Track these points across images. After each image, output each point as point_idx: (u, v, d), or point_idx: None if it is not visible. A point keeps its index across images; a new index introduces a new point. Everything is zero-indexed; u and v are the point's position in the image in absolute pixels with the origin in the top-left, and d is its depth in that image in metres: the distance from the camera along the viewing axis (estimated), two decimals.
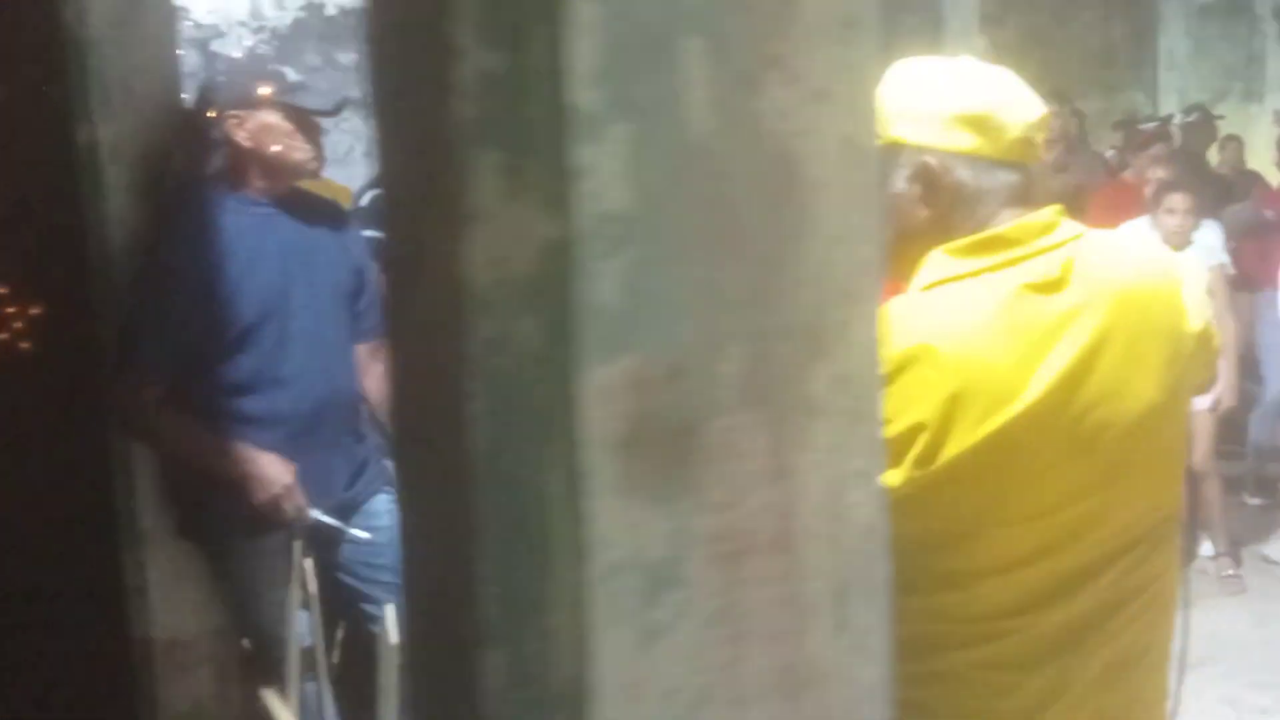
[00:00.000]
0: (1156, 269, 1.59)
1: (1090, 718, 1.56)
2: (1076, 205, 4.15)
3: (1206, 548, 5.26)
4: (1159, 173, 5.08)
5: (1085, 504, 1.51)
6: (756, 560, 0.64)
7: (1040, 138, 1.57)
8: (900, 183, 1.55)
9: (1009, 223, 1.51)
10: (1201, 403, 4.91)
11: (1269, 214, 5.25)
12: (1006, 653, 1.54)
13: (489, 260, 0.61)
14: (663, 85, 0.60)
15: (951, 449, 1.41)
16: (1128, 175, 5.74)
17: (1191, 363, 1.61)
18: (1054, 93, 6.51)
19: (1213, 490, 5.03)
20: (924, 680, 1.55)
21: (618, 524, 0.61)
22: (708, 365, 0.62)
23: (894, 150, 1.55)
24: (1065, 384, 1.45)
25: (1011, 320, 1.46)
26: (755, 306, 0.63)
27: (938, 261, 1.51)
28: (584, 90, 0.58)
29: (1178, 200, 4.68)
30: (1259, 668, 4.17)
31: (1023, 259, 1.49)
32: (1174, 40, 10.70)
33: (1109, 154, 6.80)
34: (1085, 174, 5.85)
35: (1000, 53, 9.26)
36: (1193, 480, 5.11)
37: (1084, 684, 1.55)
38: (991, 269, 1.48)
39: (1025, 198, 1.55)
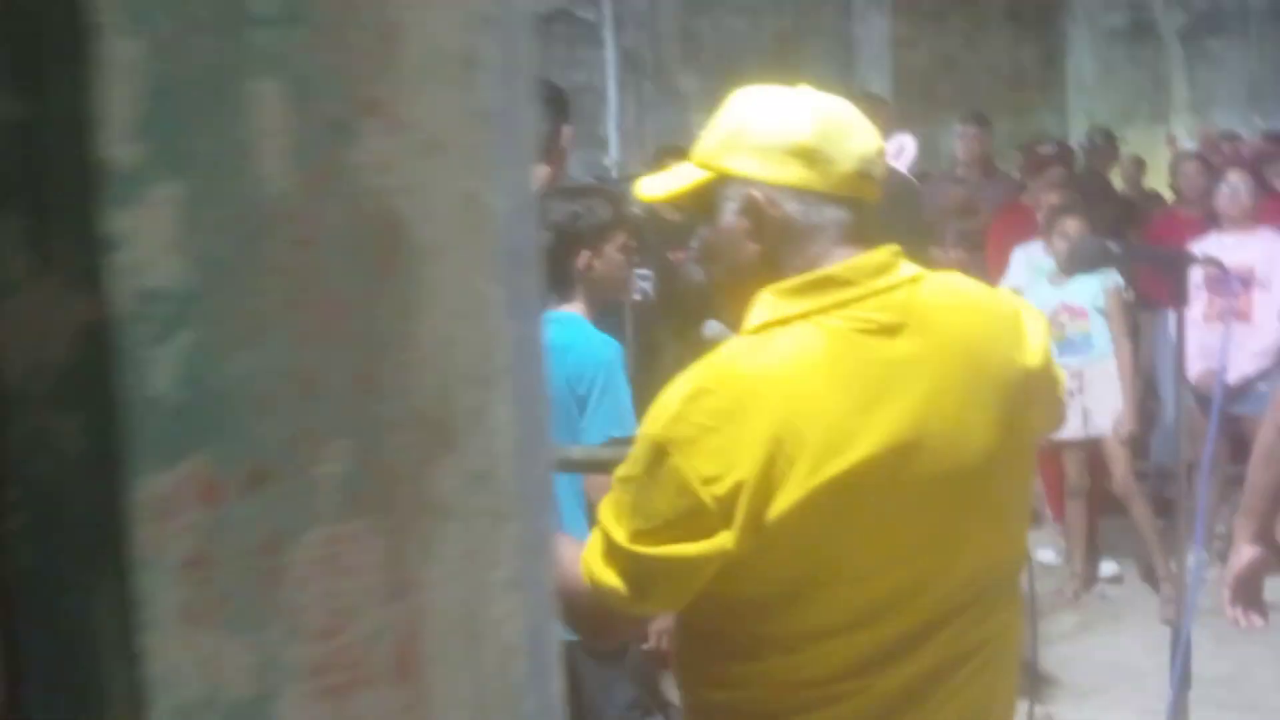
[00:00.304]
0: (996, 312, 1.53)
1: None
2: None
3: (1106, 568, 5.27)
4: (1053, 197, 5.09)
5: (923, 560, 1.43)
6: (371, 694, 0.54)
7: (877, 172, 1.50)
8: (728, 216, 1.48)
9: (841, 261, 1.43)
10: (1106, 428, 4.91)
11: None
12: (844, 717, 1.45)
13: (20, 346, 0.50)
14: (225, 136, 0.50)
15: (780, 504, 1.33)
16: (1025, 199, 5.75)
17: (1036, 406, 1.54)
18: (974, 116, 6.53)
19: (1141, 510, 4.99)
20: None
21: (186, 660, 0.51)
22: (301, 466, 0.52)
23: (722, 182, 1.48)
24: (900, 434, 1.38)
25: (843, 367, 1.38)
26: (361, 395, 0.53)
27: (766, 303, 1.43)
28: (120, 143, 0.48)
29: (1071, 224, 4.67)
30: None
31: (855, 301, 1.41)
32: (1082, 63, 10.85)
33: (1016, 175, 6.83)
34: (993, 207, 5.87)
35: (912, 75, 9.33)
36: (1113, 503, 5.11)
37: None
38: (821, 311, 1.41)
39: (859, 236, 1.47)
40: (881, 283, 1.43)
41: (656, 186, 1.59)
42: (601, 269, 2.78)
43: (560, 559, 1.45)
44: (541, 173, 3.50)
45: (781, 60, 8.62)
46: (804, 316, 1.40)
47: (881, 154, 1.51)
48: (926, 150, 8.77)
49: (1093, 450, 5.01)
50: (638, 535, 1.37)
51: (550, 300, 2.77)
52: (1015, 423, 1.48)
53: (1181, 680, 2.01)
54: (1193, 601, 2.04)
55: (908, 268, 1.47)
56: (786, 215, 1.44)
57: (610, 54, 8.37)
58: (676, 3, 8.56)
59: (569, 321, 2.74)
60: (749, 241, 1.47)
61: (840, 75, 8.37)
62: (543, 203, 2.84)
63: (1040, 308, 5.13)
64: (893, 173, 3.19)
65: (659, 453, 1.36)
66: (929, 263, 2.52)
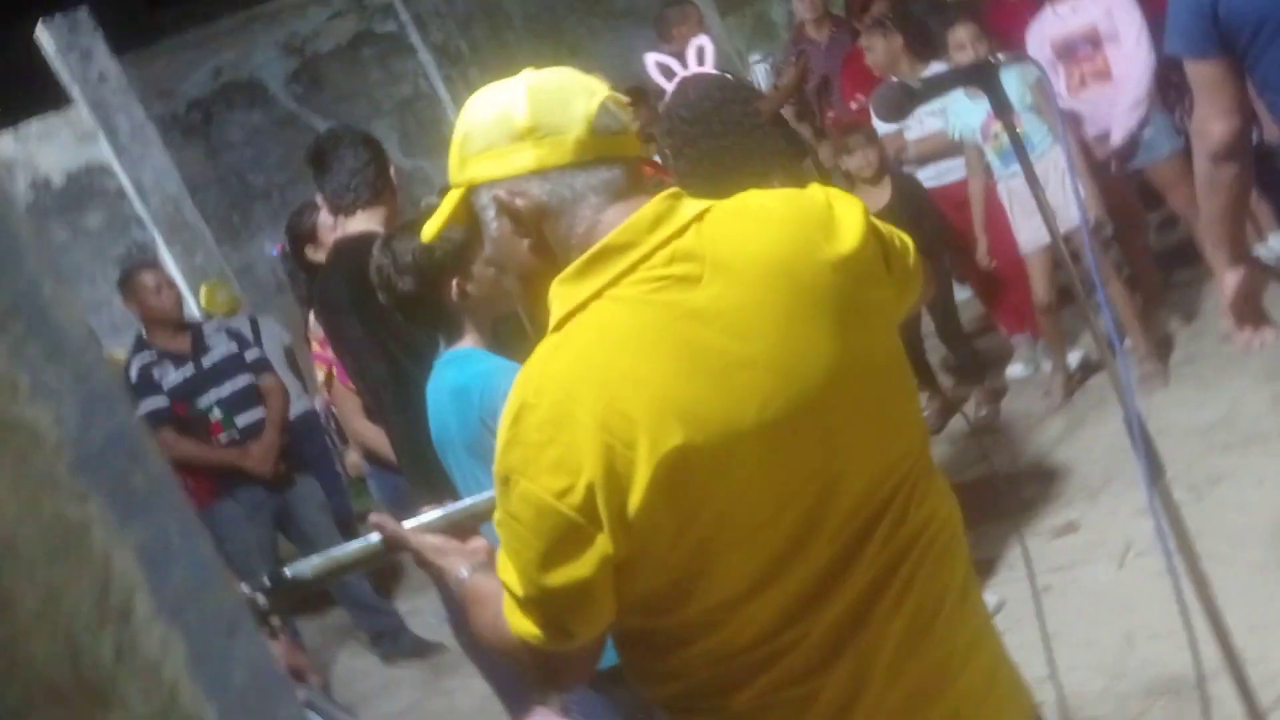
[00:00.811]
0: (798, 217, 1.44)
1: (908, 689, 1.44)
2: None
3: (1073, 358, 5.25)
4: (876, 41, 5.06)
5: (808, 494, 1.37)
6: None
7: (617, 124, 1.43)
8: (491, 225, 1.45)
9: (615, 227, 1.37)
10: (1075, 218, 4.82)
11: None
12: (793, 666, 1.40)
13: None
14: None
15: (636, 491, 1.28)
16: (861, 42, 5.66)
17: (877, 287, 1.46)
18: None
19: (1116, 290, 4.83)
20: None
21: None
22: None
23: (473, 194, 1.45)
24: (731, 381, 1.32)
25: (649, 335, 1.32)
26: None
27: (557, 296, 1.38)
28: None
29: (963, 32, 4.64)
30: None
31: (641, 262, 1.35)
32: None
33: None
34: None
35: None
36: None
37: (885, 661, 1.42)
38: (612, 284, 1.35)
39: (630, 192, 1.41)
40: (663, 233, 1.37)
41: (431, 223, 1.54)
42: (476, 290, 2.61)
43: (496, 624, 1.43)
44: (380, 215, 3.39)
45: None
46: (596, 296, 1.35)
47: (617, 104, 1.45)
48: (759, 28, 8.66)
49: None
50: (527, 575, 1.34)
51: (441, 344, 2.66)
52: (855, 317, 1.40)
53: (1151, 470, 1.97)
54: (1129, 383, 1.99)
55: (690, 207, 1.40)
56: (537, 201, 1.40)
57: (425, 56, 8.21)
58: None
59: (463, 359, 2.59)
60: (518, 239, 1.43)
61: None
62: (392, 245, 2.74)
63: (971, 125, 5.09)
64: (724, 89, 3.06)
65: (508, 484, 1.33)
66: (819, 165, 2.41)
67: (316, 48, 8.19)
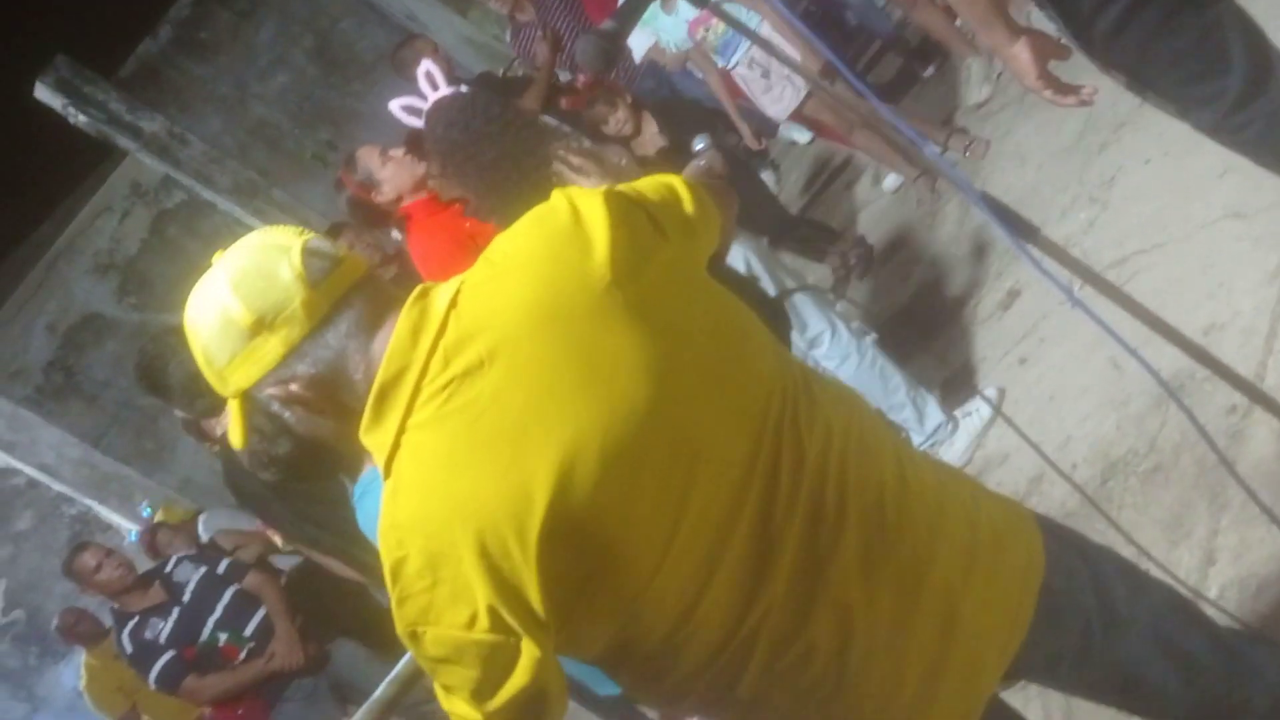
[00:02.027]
0: (548, 247, 1.40)
1: (891, 596, 1.42)
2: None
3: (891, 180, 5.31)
4: None
5: (690, 486, 1.34)
6: None
7: (321, 260, 1.39)
8: (287, 416, 1.42)
9: (380, 364, 1.34)
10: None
11: None
12: (775, 636, 1.39)
13: None
14: None
15: (533, 588, 1.27)
16: None
17: (674, 254, 1.43)
18: None
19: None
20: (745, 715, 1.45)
21: None
22: None
23: (251, 399, 1.41)
24: (560, 443, 1.29)
25: (464, 443, 1.30)
26: None
27: (369, 445, 1.36)
28: None
29: None
30: None
31: (421, 380, 1.32)
32: None
33: None
34: None
35: None
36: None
37: (857, 586, 1.40)
38: (407, 415, 1.32)
39: (378, 313, 1.38)
40: (426, 342, 1.33)
41: (234, 434, 1.48)
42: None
43: None
44: None
45: None
46: (401, 432, 1.32)
47: (317, 245, 1.41)
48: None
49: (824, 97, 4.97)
50: (476, 705, 1.33)
51: (348, 483, 2.62)
52: (649, 303, 1.36)
53: (1019, 234, 1.95)
54: (959, 178, 1.97)
55: (440, 298, 1.37)
56: (308, 377, 1.37)
57: (225, 204, 8.04)
58: None
59: (374, 481, 2.57)
60: (319, 418, 1.40)
61: None
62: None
63: (678, 37, 5.06)
64: (465, 108, 2.98)
65: (416, 638, 1.32)
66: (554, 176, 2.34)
67: (125, 253, 8.02)
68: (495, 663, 1.29)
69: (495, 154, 2.69)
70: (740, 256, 3.69)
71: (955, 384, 4.03)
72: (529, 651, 1.28)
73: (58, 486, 7.67)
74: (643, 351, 1.33)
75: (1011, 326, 3.93)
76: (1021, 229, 2.09)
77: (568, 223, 1.39)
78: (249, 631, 4.72)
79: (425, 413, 1.31)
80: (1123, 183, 3.81)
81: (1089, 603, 1.54)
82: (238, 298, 1.36)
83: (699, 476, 1.34)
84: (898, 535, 1.43)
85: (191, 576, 4.80)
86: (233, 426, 1.45)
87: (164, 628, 4.68)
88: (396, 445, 1.32)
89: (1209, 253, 3.25)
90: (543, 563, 1.27)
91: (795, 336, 3.77)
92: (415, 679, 1.74)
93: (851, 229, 5.48)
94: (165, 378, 3.41)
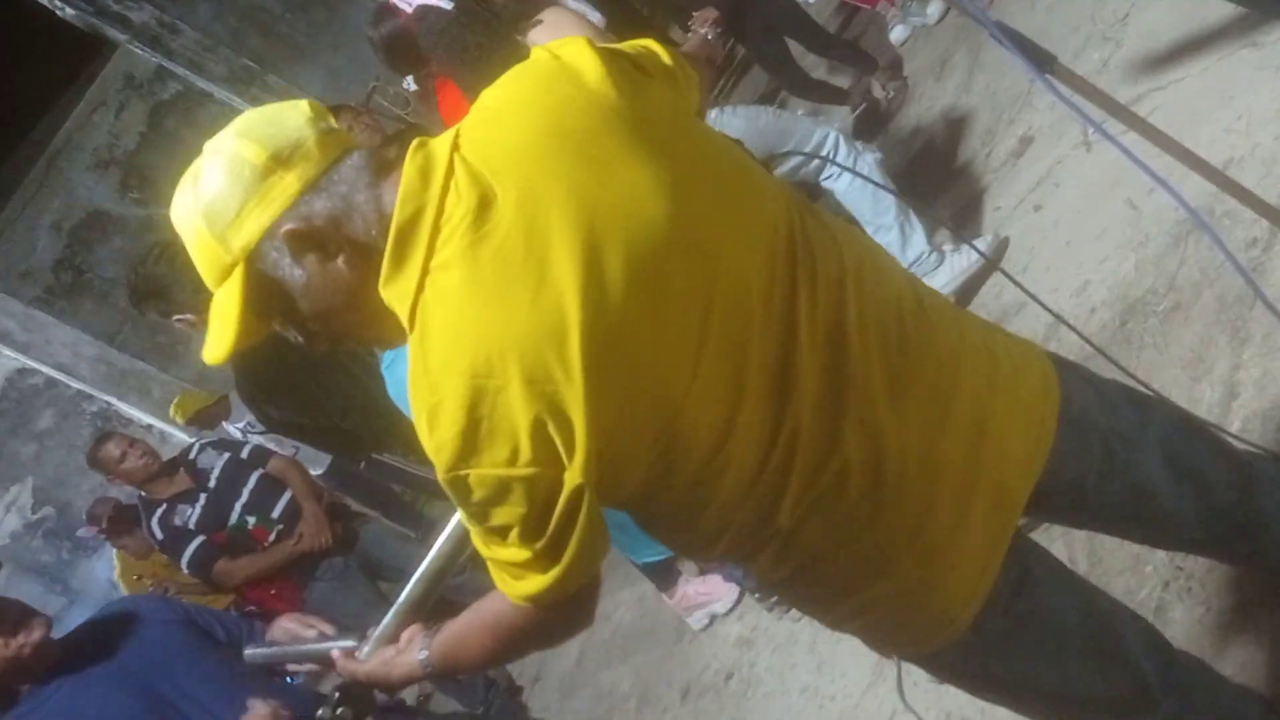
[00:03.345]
0: (539, 87, 1.39)
1: (921, 415, 1.43)
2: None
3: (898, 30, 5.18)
4: None
5: (714, 305, 1.34)
6: None
7: (330, 119, 1.39)
8: (294, 273, 1.38)
9: (393, 206, 1.32)
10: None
11: None
12: (808, 461, 1.40)
13: None
14: None
15: (578, 407, 1.26)
16: None
17: (661, 92, 1.42)
18: None
19: None
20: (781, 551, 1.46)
21: None
22: None
23: (257, 261, 1.37)
24: (587, 266, 1.28)
25: (486, 281, 1.28)
26: None
27: (392, 297, 1.34)
28: None
29: None
30: None
31: (438, 219, 1.30)
32: None
33: None
34: None
35: None
36: None
37: (884, 404, 1.41)
38: (429, 257, 1.31)
39: (382, 163, 1.37)
40: (437, 182, 1.32)
41: (216, 344, 1.43)
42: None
43: (495, 633, 1.52)
44: None
45: None
46: (425, 276, 1.30)
47: (317, 112, 1.39)
48: None
49: None
50: (525, 542, 1.33)
51: (377, 352, 2.64)
52: (647, 128, 1.35)
53: (1038, 64, 1.91)
54: (981, 12, 1.91)
55: (440, 143, 1.35)
56: (327, 213, 1.35)
57: (222, 92, 7.94)
58: None
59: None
60: (331, 263, 1.37)
61: None
62: None
63: None
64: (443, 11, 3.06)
65: (458, 483, 1.30)
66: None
67: (125, 147, 7.95)
68: (539, 497, 1.29)
69: (483, 38, 2.79)
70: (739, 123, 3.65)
71: (966, 220, 3.99)
72: (572, 481, 1.28)
73: (76, 384, 7.74)
74: (654, 166, 1.32)
75: (1025, 173, 3.87)
76: (1039, 60, 2.06)
77: (553, 66, 1.39)
78: (276, 514, 4.78)
79: (448, 251, 1.29)
80: (1136, 20, 3.72)
81: (1104, 423, 1.56)
82: (250, 140, 1.35)
83: (718, 294, 1.34)
84: (920, 356, 1.43)
85: (216, 463, 4.84)
86: (223, 330, 1.40)
87: (192, 514, 4.74)
88: (420, 289, 1.30)
89: (1227, 85, 3.18)
90: (587, 377, 1.25)
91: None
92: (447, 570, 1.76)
93: (887, 55, 5.33)
94: (161, 283, 3.35)
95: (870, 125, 5.02)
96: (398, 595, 1.79)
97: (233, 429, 6.32)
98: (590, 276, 1.27)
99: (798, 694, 3.43)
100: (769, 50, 5.17)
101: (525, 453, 1.26)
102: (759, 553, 1.47)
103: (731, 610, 3.97)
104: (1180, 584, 2.49)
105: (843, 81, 5.42)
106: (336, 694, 1.87)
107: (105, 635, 2.51)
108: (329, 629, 2.15)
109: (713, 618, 4.01)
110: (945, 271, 3.73)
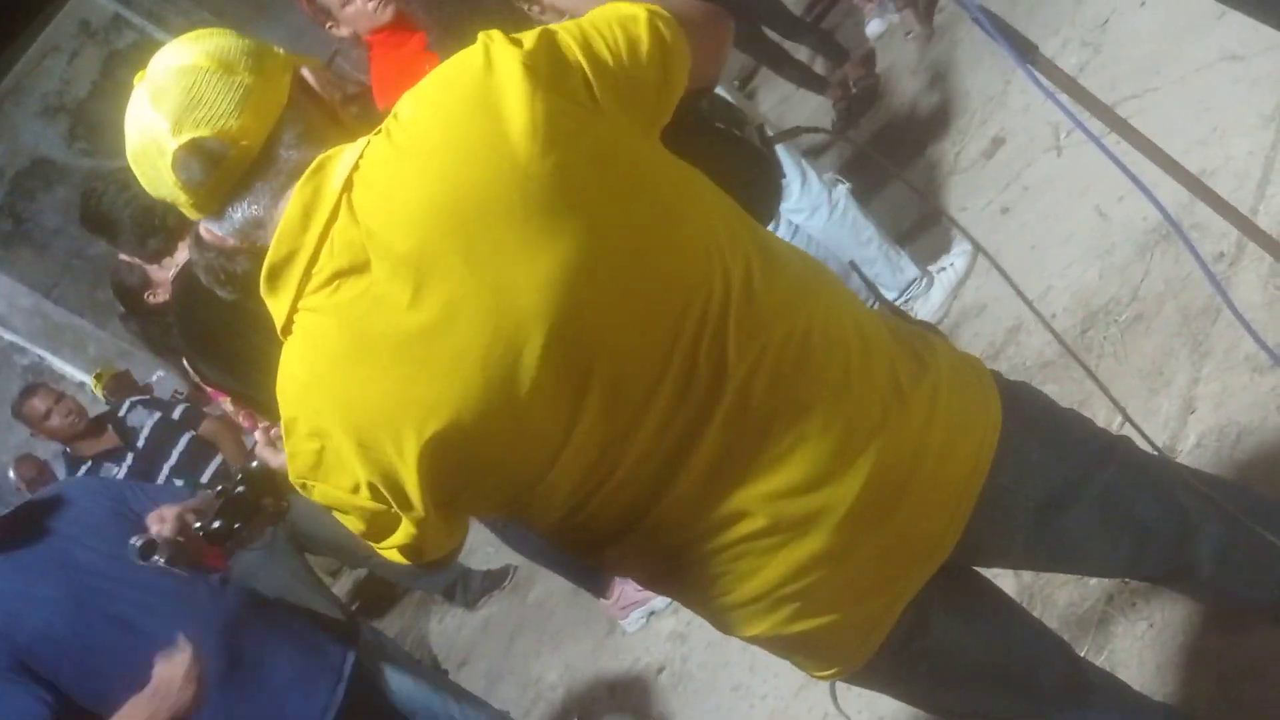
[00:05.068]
0: (461, 110, 1.23)
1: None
2: None
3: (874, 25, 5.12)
4: None
5: (586, 407, 1.28)
6: None
7: (195, 167, 1.28)
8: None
9: (274, 237, 1.27)
10: None
11: None
12: (667, 524, 1.38)
13: None
14: None
15: (412, 484, 1.26)
16: None
17: (605, 126, 1.26)
18: None
19: None
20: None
21: None
22: None
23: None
24: (444, 355, 1.23)
25: (345, 342, 1.25)
26: None
27: (267, 302, 1.30)
28: None
29: None
30: None
31: (311, 266, 1.25)
32: None
33: None
34: None
35: None
36: None
37: (764, 445, 1.34)
38: (299, 296, 1.27)
39: (280, 186, 1.28)
40: (317, 227, 1.24)
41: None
42: None
43: None
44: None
45: None
46: (294, 310, 1.28)
47: (187, 157, 1.27)
48: None
49: None
50: (368, 540, 1.37)
51: None
52: (568, 189, 1.21)
53: (1020, 52, 1.83)
54: None
55: (336, 174, 1.24)
56: (221, 238, 1.33)
57: None
58: None
59: None
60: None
61: None
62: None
63: None
64: None
65: (307, 490, 1.33)
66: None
67: (75, 95, 7.72)
68: (379, 523, 1.32)
69: (467, 21, 2.63)
70: None
71: (935, 234, 3.92)
72: (410, 520, 1.31)
73: (8, 336, 7.50)
74: (546, 261, 1.21)
75: (994, 175, 3.81)
76: (1022, 48, 1.98)
77: (479, 88, 1.22)
78: (205, 478, 4.62)
79: (314, 300, 1.25)
80: (1116, 25, 3.66)
81: (1035, 492, 1.46)
82: (138, 172, 1.31)
83: (594, 397, 1.27)
84: (845, 431, 1.36)
85: (146, 422, 4.68)
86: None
87: (118, 473, 4.57)
88: (290, 318, 1.28)
89: (1204, 96, 3.13)
90: (421, 470, 1.25)
91: None
92: None
93: (861, 49, 5.25)
94: (115, 213, 3.25)
95: (850, 118, 4.94)
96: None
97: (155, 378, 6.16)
98: (445, 392, 1.23)
99: (729, 691, 3.34)
100: (741, 29, 5.08)
101: (364, 493, 1.28)
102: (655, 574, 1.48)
103: (669, 605, 3.88)
104: (1124, 598, 2.44)
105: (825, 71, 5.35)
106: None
107: (37, 518, 2.38)
108: (171, 525, 2.13)
109: (650, 615, 3.91)
110: (937, 293, 3.68)
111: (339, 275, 1.23)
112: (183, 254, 3.27)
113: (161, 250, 3.31)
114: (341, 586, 6.33)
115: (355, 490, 1.28)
